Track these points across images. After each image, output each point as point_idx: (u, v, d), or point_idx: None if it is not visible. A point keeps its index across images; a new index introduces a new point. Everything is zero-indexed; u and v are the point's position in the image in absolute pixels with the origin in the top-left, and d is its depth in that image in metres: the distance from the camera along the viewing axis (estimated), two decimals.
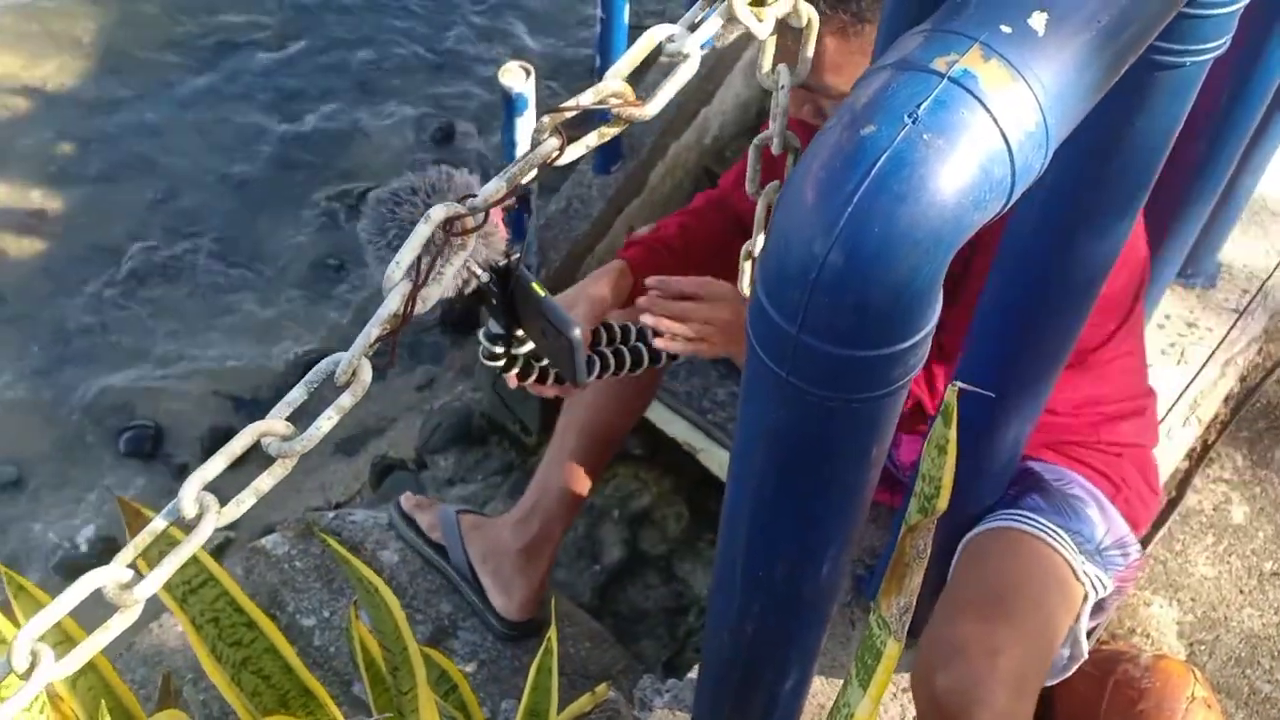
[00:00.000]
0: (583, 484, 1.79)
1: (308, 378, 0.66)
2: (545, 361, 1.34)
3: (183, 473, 2.91)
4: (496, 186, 0.67)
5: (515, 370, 1.36)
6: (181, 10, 3.96)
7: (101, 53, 3.81)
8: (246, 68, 3.83)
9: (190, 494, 0.62)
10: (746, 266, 0.85)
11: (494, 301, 1.21)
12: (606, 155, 2.54)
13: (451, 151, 3.65)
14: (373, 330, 0.64)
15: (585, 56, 3.94)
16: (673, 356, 1.45)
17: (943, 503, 0.65)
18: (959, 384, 0.64)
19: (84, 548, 2.74)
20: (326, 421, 0.64)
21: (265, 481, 0.64)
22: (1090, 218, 0.99)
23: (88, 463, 2.91)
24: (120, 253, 3.31)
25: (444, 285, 0.68)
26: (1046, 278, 1.06)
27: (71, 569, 2.70)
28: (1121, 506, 1.48)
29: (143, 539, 0.63)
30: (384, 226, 1.10)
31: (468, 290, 1.15)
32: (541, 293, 1.17)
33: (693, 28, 0.67)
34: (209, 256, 3.35)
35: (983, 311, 1.13)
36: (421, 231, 0.65)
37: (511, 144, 2.24)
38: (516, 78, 2.16)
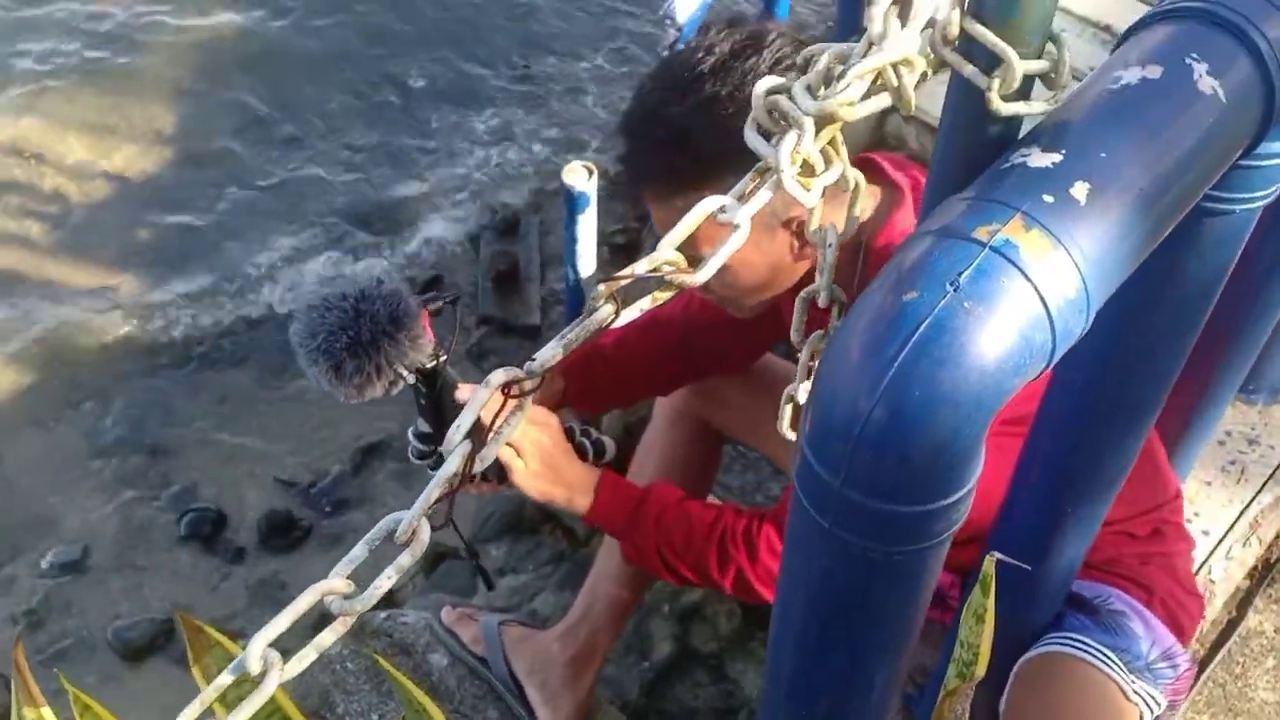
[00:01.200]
0: (633, 593, 1.79)
1: (369, 536, 0.68)
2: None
3: (240, 557, 2.96)
4: (553, 351, 0.69)
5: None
6: (253, 97, 4.12)
7: (178, 142, 3.96)
8: (316, 157, 3.96)
9: (256, 652, 0.64)
10: (787, 410, 0.86)
11: (422, 402, 1.26)
12: None
13: (515, 241, 3.72)
14: (433, 491, 0.67)
15: None
16: (599, 452, 1.47)
17: (981, 669, 0.65)
18: (996, 554, 0.64)
19: (139, 632, 2.77)
20: (386, 581, 0.66)
21: (327, 637, 0.66)
22: (1140, 359, 1.00)
23: (148, 544, 2.97)
24: (192, 338, 3.41)
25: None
26: (1097, 407, 1.06)
27: (127, 653, 2.74)
28: (1160, 613, 1.46)
29: (209, 695, 0.65)
30: (314, 330, 1.15)
31: (394, 392, 1.20)
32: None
33: (742, 197, 0.70)
34: (274, 340, 3.44)
35: (1033, 442, 1.13)
36: (482, 395, 0.68)
37: (573, 239, 2.29)
38: (579, 177, 2.22)
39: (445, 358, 1.23)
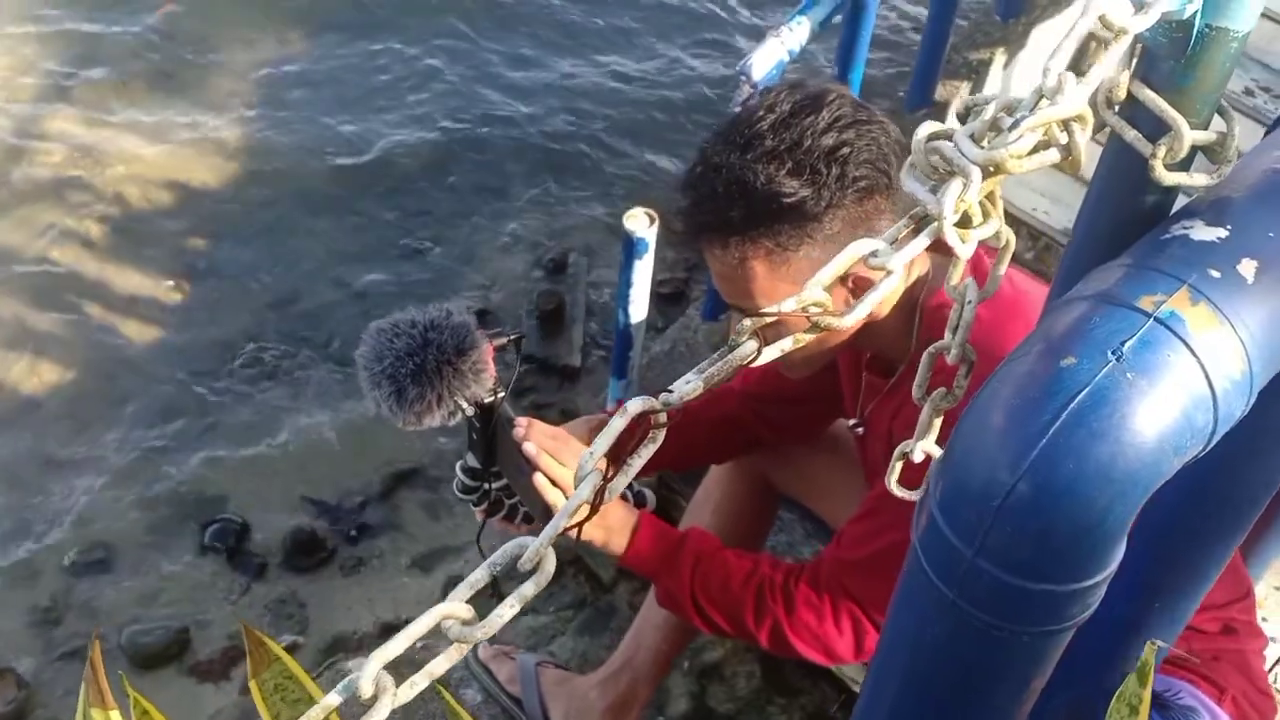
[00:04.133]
0: (677, 645, 1.75)
1: (491, 559, 0.65)
2: (516, 499, 1.35)
3: (261, 573, 2.92)
4: (693, 385, 0.67)
5: (485, 505, 1.37)
6: (317, 123, 4.14)
7: (243, 158, 3.99)
8: (377, 181, 3.97)
9: (370, 674, 0.61)
10: (898, 466, 0.83)
11: (474, 436, 1.24)
12: (717, 303, 2.56)
13: (562, 281, 3.71)
14: (561, 521, 0.64)
15: None
16: (640, 502, 1.44)
17: None
18: (1158, 643, 0.61)
19: (154, 639, 2.74)
20: (508, 610, 0.63)
21: (441, 664, 0.63)
22: (1256, 457, 0.96)
23: (171, 551, 2.94)
24: (234, 349, 3.40)
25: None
26: (1201, 504, 1.02)
27: (139, 659, 2.70)
28: (1231, 710, 1.42)
29: (316, 715, 0.61)
30: (381, 353, 1.14)
31: (452, 423, 1.18)
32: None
33: (895, 243, 0.67)
34: (318, 360, 3.43)
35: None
36: (617, 424, 0.65)
37: (627, 284, 2.27)
38: (640, 223, 2.20)
39: (504, 394, 1.22)
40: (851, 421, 1.49)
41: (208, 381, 3.32)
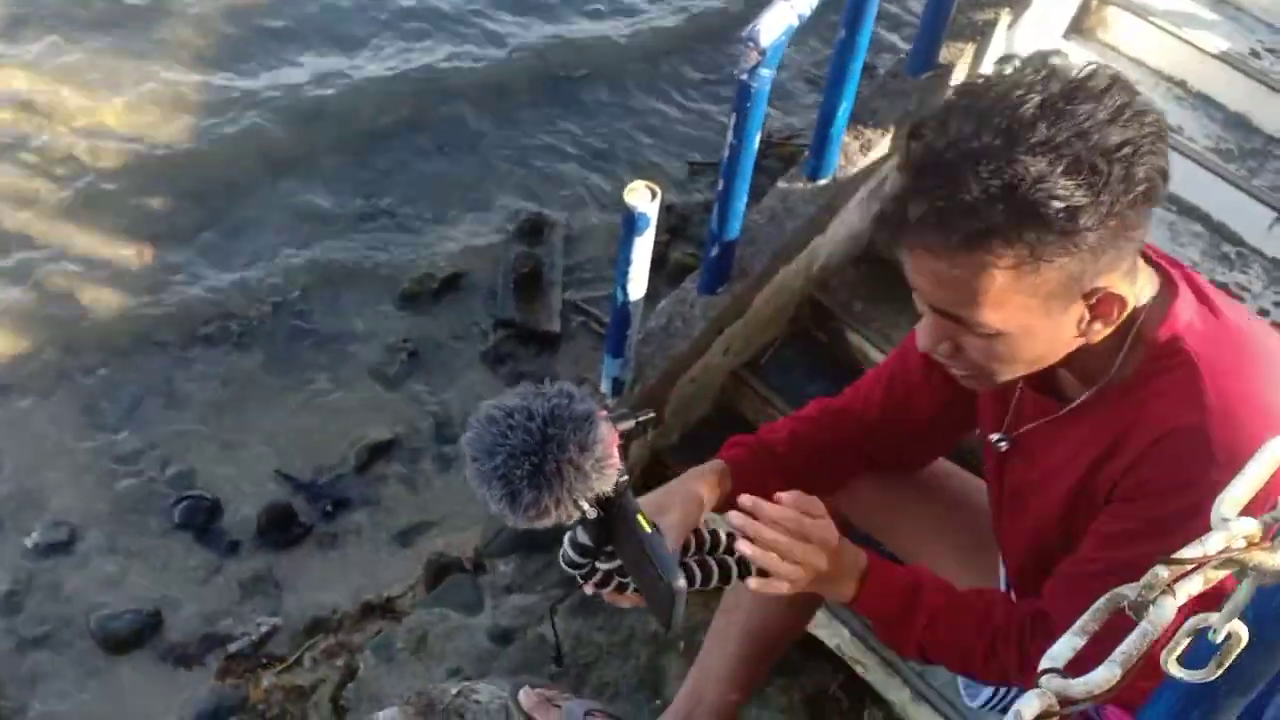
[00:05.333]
0: (740, 697, 1.63)
1: None
2: (627, 578, 1.24)
3: (234, 550, 2.81)
4: (1108, 675, 0.57)
5: (594, 580, 1.27)
6: (280, 80, 3.97)
7: (200, 113, 3.81)
8: (343, 136, 3.82)
9: None
10: (1183, 643, 0.68)
11: (590, 518, 1.14)
12: (714, 276, 2.47)
13: (538, 244, 3.60)
14: None
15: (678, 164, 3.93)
16: (746, 574, 1.31)
17: None
18: None
19: (123, 623, 2.63)
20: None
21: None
22: None
23: (139, 530, 2.82)
24: (199, 315, 3.26)
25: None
26: None
27: (109, 644, 2.60)
28: None
29: None
30: (493, 449, 1.04)
31: (567, 522, 1.09)
32: (648, 528, 1.10)
33: None
34: (286, 327, 3.30)
35: None
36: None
37: (627, 260, 2.17)
38: (641, 198, 2.10)
39: (626, 481, 1.11)
40: (994, 436, 1.35)
41: (172, 352, 3.18)
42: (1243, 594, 0.59)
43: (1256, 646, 0.62)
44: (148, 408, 3.05)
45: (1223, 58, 2.70)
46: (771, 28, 1.96)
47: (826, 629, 2.30)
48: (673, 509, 1.32)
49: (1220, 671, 0.61)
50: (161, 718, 2.50)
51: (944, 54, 2.53)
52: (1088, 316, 1.13)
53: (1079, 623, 0.59)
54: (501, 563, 2.80)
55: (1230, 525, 0.54)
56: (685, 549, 1.30)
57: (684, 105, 4.14)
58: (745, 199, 2.27)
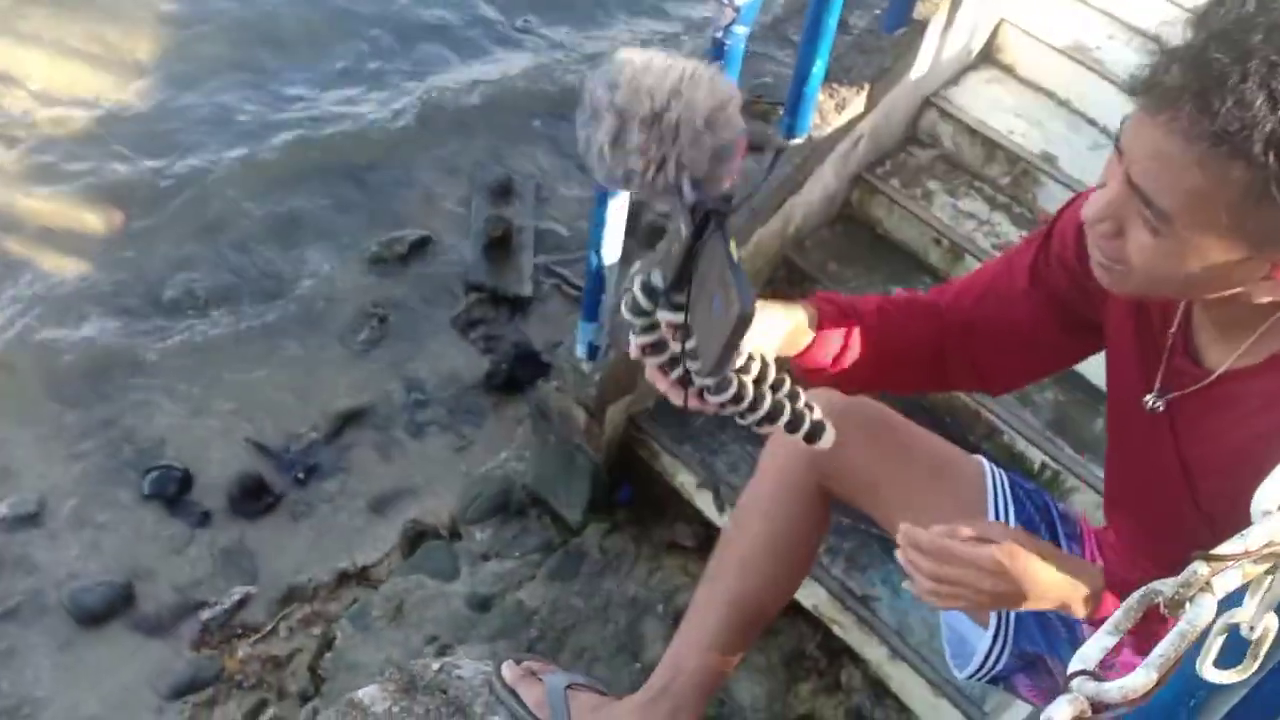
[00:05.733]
0: (724, 667, 1.58)
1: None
2: (687, 344, 1.09)
3: (206, 521, 2.78)
4: (1145, 680, 0.54)
5: (651, 338, 1.12)
6: (242, 42, 3.88)
7: (160, 76, 3.72)
8: (306, 102, 3.74)
9: None
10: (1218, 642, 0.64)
11: (674, 246, 1.03)
12: None
13: (508, 206, 3.56)
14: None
15: None
16: (797, 427, 1.18)
17: None
18: None
19: (96, 596, 2.59)
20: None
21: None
22: None
23: (109, 501, 2.78)
24: (164, 282, 3.20)
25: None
26: None
27: (82, 617, 2.56)
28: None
29: None
30: (616, 82, 0.89)
31: (658, 204, 0.96)
32: (735, 254, 0.97)
33: None
34: (252, 293, 3.25)
35: None
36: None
37: (600, 224, 2.15)
38: None
39: (735, 205, 0.98)
40: (1148, 398, 1.23)
41: (138, 319, 3.12)
42: (1278, 587, 0.58)
43: None
44: (113, 376, 2.99)
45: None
46: None
47: (804, 589, 2.30)
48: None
49: (1256, 665, 0.60)
50: (137, 690, 2.47)
51: (919, 10, 2.51)
52: (1263, 273, 1.02)
53: (1112, 620, 0.57)
54: (477, 529, 2.79)
55: (1272, 518, 0.52)
56: (745, 369, 1.16)
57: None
58: None
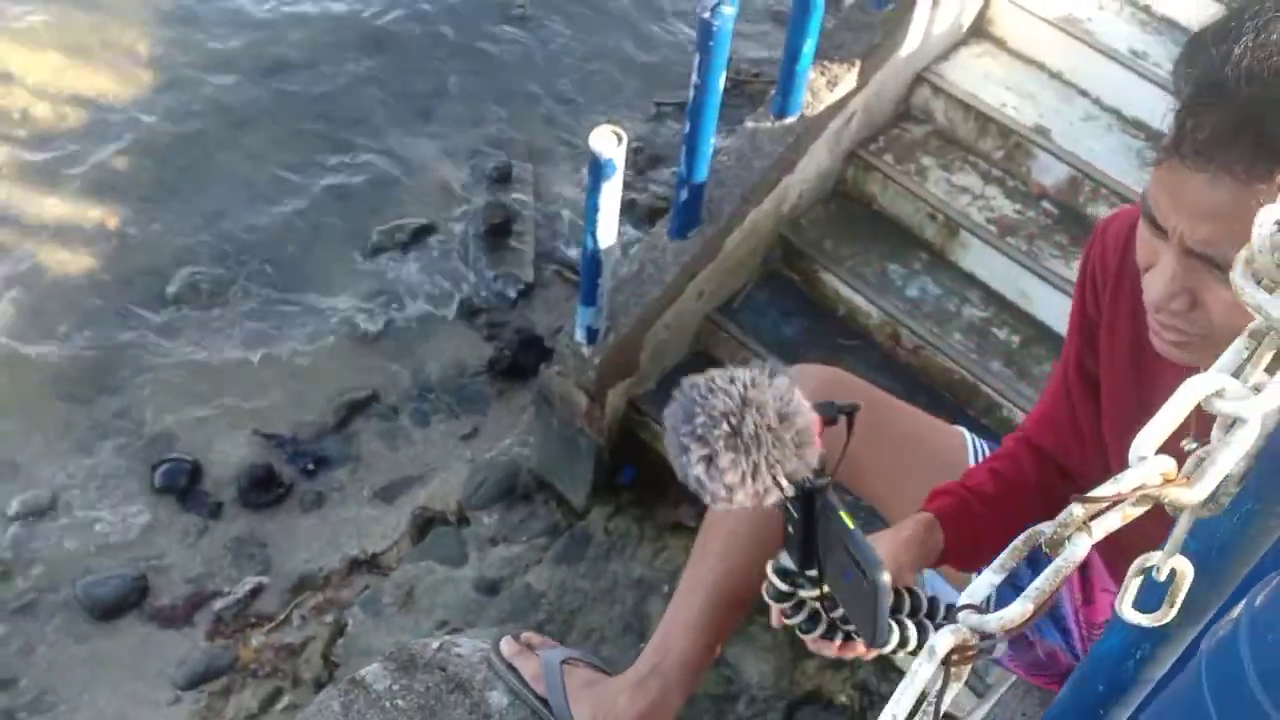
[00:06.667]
0: (709, 648, 1.61)
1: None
2: (838, 613, 1.16)
3: (217, 512, 2.82)
4: (1021, 610, 0.57)
5: (801, 617, 1.18)
6: (237, 34, 3.89)
7: (158, 70, 3.74)
8: (304, 91, 3.76)
9: None
10: (1133, 584, 0.66)
11: (790, 529, 1.09)
12: (684, 220, 2.46)
13: (508, 192, 3.57)
14: None
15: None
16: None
17: None
18: None
19: (110, 589, 2.63)
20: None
21: None
22: None
23: (121, 494, 2.82)
24: (167, 276, 3.23)
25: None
26: None
27: (96, 610, 2.60)
28: None
29: None
30: (692, 413, 1.00)
31: (766, 503, 1.03)
32: (850, 524, 1.03)
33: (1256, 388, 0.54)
34: (257, 284, 3.27)
35: None
36: (925, 673, 0.56)
37: (595, 207, 2.16)
38: (607, 143, 2.08)
39: (830, 480, 1.05)
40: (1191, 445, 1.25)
41: (142, 313, 3.15)
42: (1181, 529, 0.60)
43: (1201, 579, 0.63)
44: (120, 371, 3.03)
45: None
46: None
47: None
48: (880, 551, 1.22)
49: (1174, 611, 0.63)
50: (154, 681, 2.51)
51: None
52: None
53: (998, 560, 0.60)
54: (485, 515, 2.82)
55: (1146, 463, 0.55)
56: (897, 607, 1.20)
57: (653, 40, 4.10)
58: (712, 140, 2.26)
